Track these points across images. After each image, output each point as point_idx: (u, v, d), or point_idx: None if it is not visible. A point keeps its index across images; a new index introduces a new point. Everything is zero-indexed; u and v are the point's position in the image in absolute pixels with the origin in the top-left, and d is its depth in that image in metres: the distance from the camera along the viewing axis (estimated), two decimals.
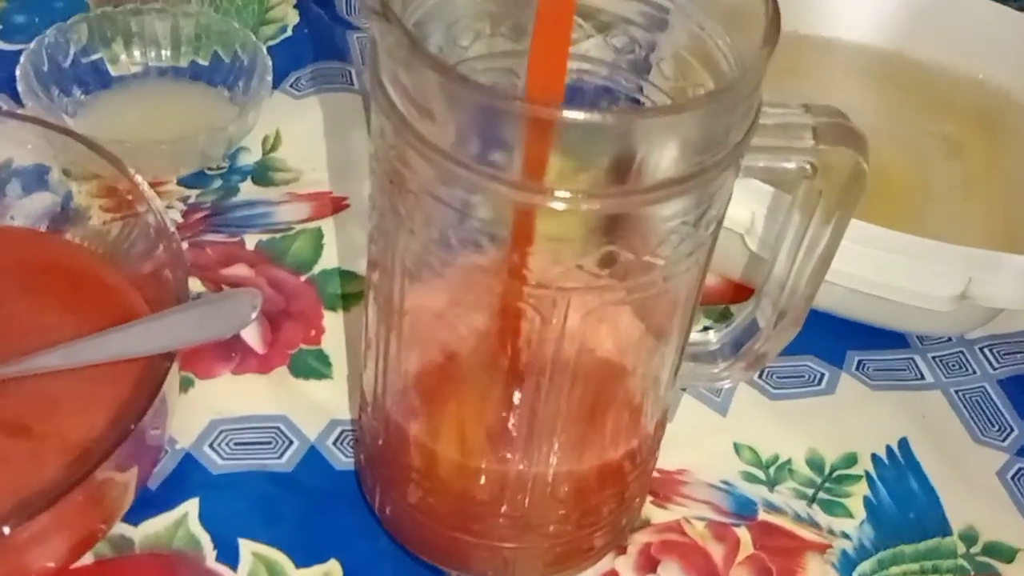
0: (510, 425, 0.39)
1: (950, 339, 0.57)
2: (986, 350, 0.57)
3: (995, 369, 0.56)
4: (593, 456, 0.41)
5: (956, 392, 0.55)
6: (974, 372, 0.56)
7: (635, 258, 0.34)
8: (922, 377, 0.55)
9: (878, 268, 0.49)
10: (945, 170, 0.59)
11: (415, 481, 0.43)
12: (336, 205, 0.58)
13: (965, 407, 0.54)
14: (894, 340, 0.56)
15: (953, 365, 0.56)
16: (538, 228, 0.33)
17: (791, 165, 0.37)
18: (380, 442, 0.43)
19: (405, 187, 0.34)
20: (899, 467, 0.51)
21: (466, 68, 0.37)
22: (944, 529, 0.49)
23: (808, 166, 0.37)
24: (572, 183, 0.31)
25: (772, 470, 0.51)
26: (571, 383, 0.37)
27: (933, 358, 0.56)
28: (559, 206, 0.31)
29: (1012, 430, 0.54)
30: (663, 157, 0.31)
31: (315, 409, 0.50)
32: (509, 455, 0.40)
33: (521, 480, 0.41)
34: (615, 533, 0.46)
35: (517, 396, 0.38)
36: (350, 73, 0.65)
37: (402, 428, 0.41)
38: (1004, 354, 0.57)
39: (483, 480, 0.41)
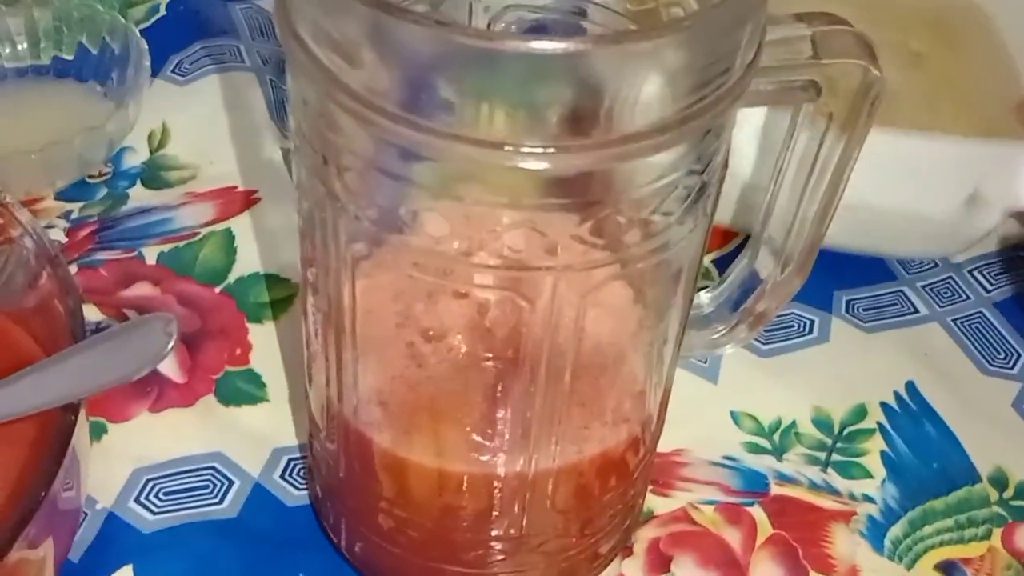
0: (497, 431, 0.33)
1: (936, 264, 0.52)
2: (976, 273, 0.53)
3: (989, 292, 0.52)
4: (594, 450, 0.35)
5: (954, 322, 0.50)
6: (968, 298, 0.51)
7: (634, 221, 0.27)
8: (916, 310, 0.50)
9: (873, 183, 0.43)
10: (908, 81, 0.54)
11: (386, 511, 0.36)
12: (245, 200, 0.51)
13: (967, 336, 0.50)
14: (880, 274, 0.52)
15: (945, 293, 0.51)
16: (513, 195, 0.27)
17: (794, 86, 0.31)
18: (340, 473, 0.37)
19: (341, 163, 0.28)
20: (912, 413, 0.46)
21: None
22: (971, 476, 0.45)
23: (812, 85, 0.31)
24: (548, 135, 0.25)
25: (777, 437, 0.45)
26: (566, 375, 0.31)
27: (923, 288, 0.51)
28: (537, 165, 0.25)
29: (1019, 355, 0.49)
30: (661, 93, 0.25)
31: (254, 440, 0.43)
32: (499, 465, 0.34)
33: (515, 491, 0.34)
34: (620, 535, 0.40)
35: (504, 397, 0.32)
36: (238, 49, 0.57)
37: (366, 451, 0.35)
38: (995, 275, 0.53)
39: (469, 499, 0.35)
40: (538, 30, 0.34)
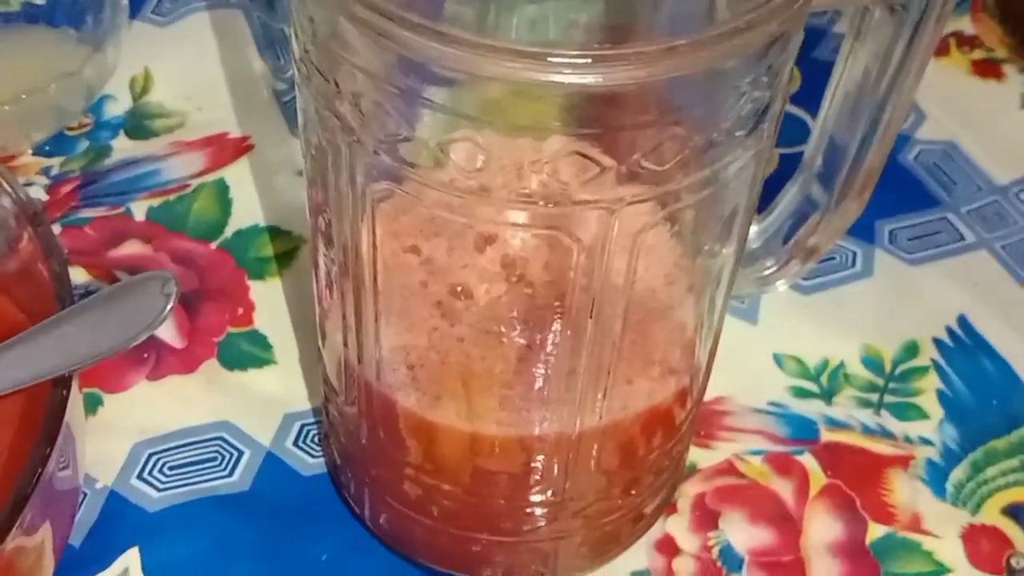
0: (538, 391, 0.29)
1: (980, 188, 0.49)
2: (1022, 194, 0.49)
3: None
4: (642, 405, 0.32)
5: (1003, 248, 0.47)
6: (1016, 221, 0.48)
7: (695, 144, 0.24)
8: (962, 238, 0.47)
9: None
10: None
11: (414, 479, 0.33)
12: (238, 148, 0.47)
13: (1017, 263, 0.46)
14: (922, 199, 0.48)
15: (991, 217, 0.48)
16: (557, 119, 0.23)
17: None
18: (363, 439, 0.33)
19: (356, 89, 0.24)
20: (966, 348, 0.43)
21: None
22: None
23: None
24: (611, 42, 0.21)
25: (824, 379, 0.42)
26: (615, 325, 0.27)
27: (968, 213, 0.48)
28: (587, 80, 0.21)
29: None
30: None
31: (262, 405, 0.40)
32: (540, 426, 0.30)
33: (557, 453, 0.31)
34: (665, 492, 0.37)
35: (546, 353, 0.28)
36: None
37: (391, 415, 0.32)
38: None
39: (506, 463, 0.32)
40: None
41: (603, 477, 0.33)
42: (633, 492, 0.35)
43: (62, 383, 0.30)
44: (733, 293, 0.37)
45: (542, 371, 0.29)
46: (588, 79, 0.21)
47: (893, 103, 0.31)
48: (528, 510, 0.33)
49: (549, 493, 0.33)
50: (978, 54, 0.54)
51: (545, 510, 0.33)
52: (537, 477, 0.32)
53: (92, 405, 0.39)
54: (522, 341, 0.28)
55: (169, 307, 0.29)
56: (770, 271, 0.36)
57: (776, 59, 0.24)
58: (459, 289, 0.27)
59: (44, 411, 0.31)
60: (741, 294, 0.41)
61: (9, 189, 0.36)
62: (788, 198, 0.35)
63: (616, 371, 0.29)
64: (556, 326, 0.27)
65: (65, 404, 0.30)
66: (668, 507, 0.38)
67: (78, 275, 0.42)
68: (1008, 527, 0.39)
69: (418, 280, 0.28)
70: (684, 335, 0.31)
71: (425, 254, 0.27)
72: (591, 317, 0.26)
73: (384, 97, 0.23)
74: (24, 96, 0.44)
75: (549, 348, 0.28)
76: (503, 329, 0.28)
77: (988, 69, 0.54)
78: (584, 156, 0.23)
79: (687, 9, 0.21)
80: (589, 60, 0.21)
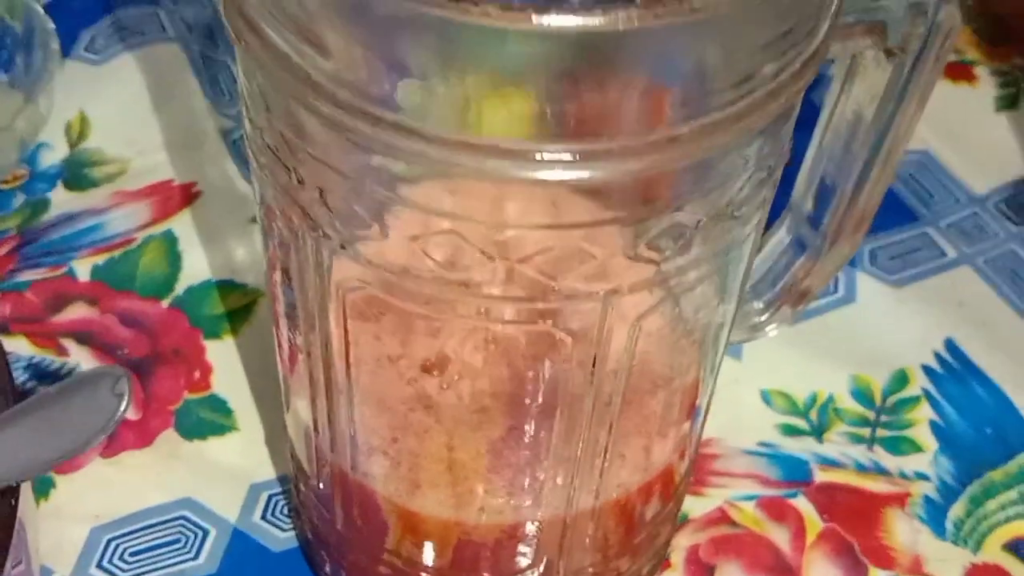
0: (528, 481, 0.27)
1: (958, 200, 0.48)
2: (1002, 205, 0.48)
3: (1018, 225, 0.47)
4: (640, 475, 0.30)
5: (985, 263, 0.46)
6: (996, 234, 0.47)
7: (707, 220, 0.22)
8: (944, 254, 0.46)
9: None
10: None
11: (394, 566, 0.31)
12: (184, 195, 0.44)
13: (1001, 280, 0.45)
14: (900, 215, 0.47)
15: (971, 231, 0.47)
16: (551, 213, 0.21)
17: (859, 32, 0.25)
18: (338, 525, 0.31)
19: (322, 183, 0.22)
20: (956, 375, 0.42)
21: None
22: None
23: (878, 27, 0.26)
24: (601, 130, 0.19)
25: (814, 415, 0.40)
26: (611, 408, 0.25)
27: (947, 227, 0.47)
28: (584, 175, 0.19)
29: None
30: (743, 61, 0.19)
31: (226, 477, 0.37)
32: (531, 514, 0.28)
33: (550, 537, 0.29)
34: (661, 549, 0.35)
35: (540, 435, 0.26)
36: (157, 16, 0.50)
37: (369, 502, 0.29)
38: (1022, 205, 0.48)
39: (495, 550, 0.30)
40: None
41: (599, 552, 0.31)
42: (631, 559, 0.33)
43: (9, 492, 0.28)
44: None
45: (531, 458, 0.27)
46: (580, 174, 0.19)
47: (889, 144, 0.29)
48: None
49: (541, 574, 0.31)
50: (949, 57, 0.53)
51: None
52: (528, 561, 0.30)
53: (43, 489, 0.37)
54: (509, 426, 0.26)
55: (123, 409, 0.26)
56: (760, 317, 0.34)
57: (782, 127, 0.22)
58: (440, 377, 0.25)
59: None
60: (732, 341, 0.39)
61: None
62: (776, 241, 0.33)
63: (613, 450, 0.27)
64: (547, 413, 0.25)
65: (15, 514, 0.28)
66: (662, 563, 0.37)
67: (20, 346, 0.39)
68: (1010, 563, 0.37)
69: (395, 370, 0.25)
70: (685, 399, 0.29)
71: (403, 347, 0.25)
72: (586, 404, 0.24)
73: (352, 194, 0.21)
74: None
75: (541, 434, 0.26)
76: (489, 417, 0.26)
77: (960, 72, 0.52)
78: (578, 250, 0.21)
79: (686, 92, 0.19)
80: (577, 157, 0.19)
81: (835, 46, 0.24)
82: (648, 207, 0.20)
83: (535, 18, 0.18)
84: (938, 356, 0.42)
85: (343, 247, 0.22)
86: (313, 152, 0.21)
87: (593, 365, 0.23)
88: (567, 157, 0.19)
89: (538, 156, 0.19)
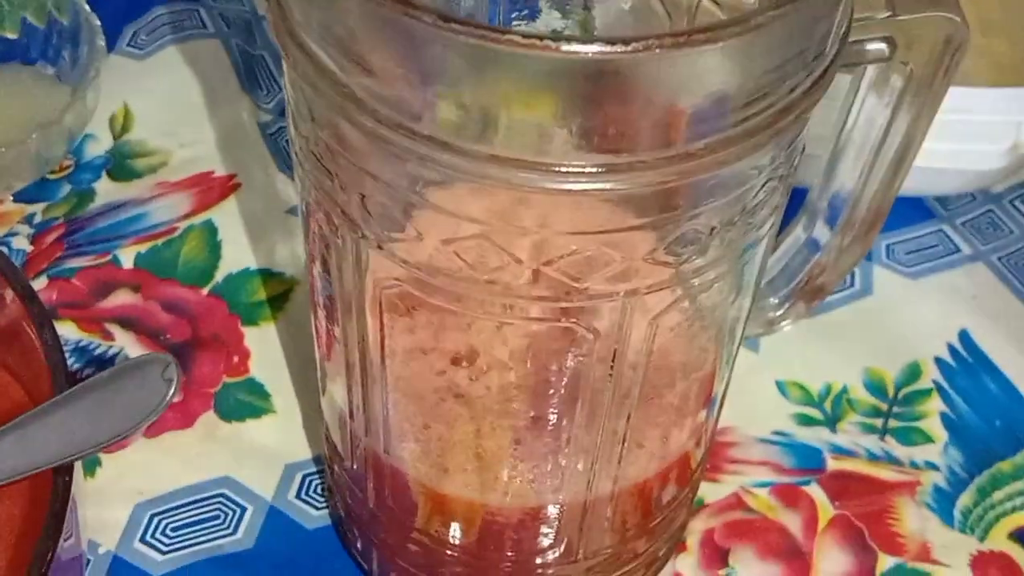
0: (551, 467, 0.29)
1: (974, 198, 0.49)
2: (1017, 202, 0.49)
3: None
4: (658, 462, 0.31)
5: (1000, 260, 0.47)
6: (1011, 231, 0.48)
7: (725, 224, 0.23)
8: (958, 249, 0.47)
9: None
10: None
11: (423, 544, 0.33)
12: (224, 187, 0.46)
13: (1015, 275, 0.46)
14: (917, 213, 0.48)
15: (986, 227, 0.48)
16: (576, 222, 0.22)
17: (868, 47, 0.27)
18: (370, 503, 0.33)
19: (363, 189, 0.23)
20: (968, 367, 0.43)
21: None
22: None
23: (887, 42, 0.27)
24: (622, 146, 0.20)
25: (828, 405, 0.42)
26: (630, 399, 0.27)
27: (963, 224, 0.48)
28: (604, 186, 0.21)
29: None
30: (756, 83, 0.21)
31: (263, 457, 0.39)
32: (554, 497, 0.30)
33: (571, 519, 0.31)
34: (677, 532, 0.37)
35: (563, 424, 0.28)
36: (198, 13, 0.52)
37: (400, 484, 0.31)
38: None
39: (519, 531, 0.31)
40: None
41: (617, 534, 0.33)
42: (648, 541, 0.34)
43: (64, 471, 0.30)
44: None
45: (554, 446, 0.28)
46: (602, 186, 0.20)
47: (901, 150, 0.30)
48: (539, 571, 0.33)
49: (561, 554, 0.32)
50: None
51: (558, 568, 0.33)
52: (549, 541, 0.32)
53: (90, 467, 0.38)
54: (533, 416, 0.28)
55: (171, 393, 0.28)
56: (775, 312, 0.35)
57: (794, 138, 0.24)
58: (469, 369, 0.27)
59: (49, 495, 0.31)
60: (748, 335, 0.41)
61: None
62: (792, 237, 0.35)
63: (631, 439, 0.29)
64: (569, 404, 0.27)
65: (69, 492, 0.30)
66: (678, 545, 0.38)
67: (68, 331, 0.41)
68: (1016, 552, 0.39)
69: (429, 363, 0.27)
70: (701, 391, 0.31)
71: (436, 341, 0.26)
72: (606, 395, 0.26)
73: (390, 200, 0.22)
74: (3, 149, 0.43)
75: (563, 424, 0.28)
76: (515, 407, 0.27)
77: None
78: (601, 253, 0.22)
79: (701, 112, 0.20)
80: (599, 170, 0.20)
81: (846, 63, 0.26)
82: (666, 214, 0.22)
83: (555, 46, 0.19)
84: (951, 348, 0.44)
85: (380, 247, 0.24)
86: (354, 160, 0.22)
87: (613, 360, 0.25)
88: (590, 170, 0.20)
89: (562, 169, 0.20)
